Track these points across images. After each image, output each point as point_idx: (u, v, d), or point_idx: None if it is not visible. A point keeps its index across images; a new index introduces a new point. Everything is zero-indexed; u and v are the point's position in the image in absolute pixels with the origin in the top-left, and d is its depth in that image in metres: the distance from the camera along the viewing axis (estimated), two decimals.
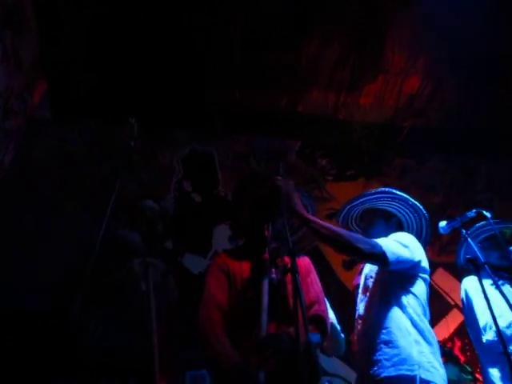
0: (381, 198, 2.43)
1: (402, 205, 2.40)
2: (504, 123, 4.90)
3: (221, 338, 1.92)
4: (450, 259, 4.42)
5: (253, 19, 4.19)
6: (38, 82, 4.36)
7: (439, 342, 3.47)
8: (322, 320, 2.01)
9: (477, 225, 2.52)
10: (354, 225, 2.64)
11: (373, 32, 4.35)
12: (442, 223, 2.24)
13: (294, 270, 1.52)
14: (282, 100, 4.94)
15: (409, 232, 2.44)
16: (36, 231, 3.90)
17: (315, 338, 1.84)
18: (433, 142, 5.09)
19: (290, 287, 2.00)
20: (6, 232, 3.78)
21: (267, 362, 1.71)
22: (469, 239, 2.04)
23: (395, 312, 2.11)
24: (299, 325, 1.39)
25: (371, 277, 2.32)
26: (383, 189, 2.46)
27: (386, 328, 2.08)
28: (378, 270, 2.28)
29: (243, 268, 2.16)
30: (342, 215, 2.61)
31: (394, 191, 2.41)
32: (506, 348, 1.80)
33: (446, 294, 4.37)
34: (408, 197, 2.39)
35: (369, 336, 2.16)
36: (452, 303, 4.35)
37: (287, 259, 2.15)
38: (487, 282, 2.09)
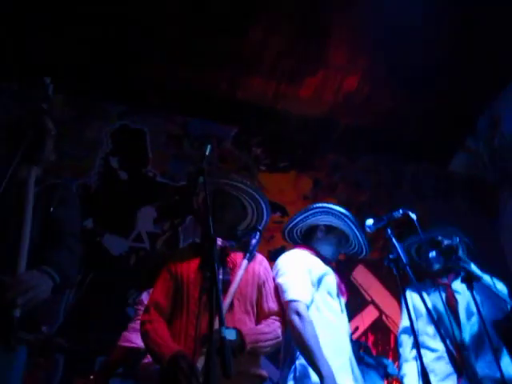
0: (318, 212, 2.51)
1: (340, 217, 2.47)
2: (430, 130, 5.14)
3: (161, 333, 1.94)
4: (370, 257, 4.57)
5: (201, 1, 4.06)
6: None
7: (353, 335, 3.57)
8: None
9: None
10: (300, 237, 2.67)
11: (317, 26, 4.36)
12: (369, 222, 2.25)
13: (212, 260, 1.49)
14: (221, 84, 4.84)
15: (351, 240, 2.58)
16: None
17: (230, 334, 1.80)
18: (364, 142, 5.22)
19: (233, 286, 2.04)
20: None
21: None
22: (393, 239, 2.06)
23: None
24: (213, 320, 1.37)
25: None
26: (320, 204, 2.53)
27: None
28: None
29: (191, 267, 2.13)
30: (286, 233, 2.68)
31: (331, 206, 2.49)
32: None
33: (365, 290, 4.51)
34: (343, 210, 2.48)
35: None
36: (369, 299, 4.50)
37: (236, 258, 2.17)
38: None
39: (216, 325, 1.43)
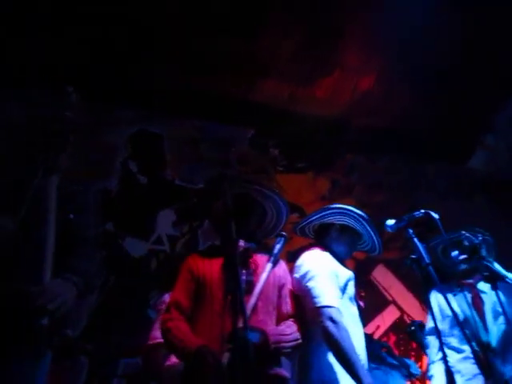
0: (335, 213, 2.51)
1: (357, 219, 2.48)
2: (448, 129, 5.08)
3: (183, 330, 1.98)
4: (390, 256, 4.54)
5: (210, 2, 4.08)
6: None
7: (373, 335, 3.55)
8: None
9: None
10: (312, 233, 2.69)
11: (331, 26, 4.35)
12: (390, 222, 2.24)
13: (235, 262, 1.56)
14: (236, 87, 4.85)
15: (364, 240, 2.59)
16: None
17: (254, 337, 1.83)
18: (382, 142, 5.18)
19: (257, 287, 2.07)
20: None
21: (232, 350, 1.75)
22: (415, 239, 2.05)
23: None
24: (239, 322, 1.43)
25: None
26: (337, 205, 2.54)
27: None
28: None
29: (214, 268, 2.15)
30: (298, 229, 2.68)
31: (347, 207, 2.50)
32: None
33: (385, 289, 4.49)
34: (360, 212, 2.50)
35: None
36: (389, 299, 4.47)
37: (258, 259, 2.21)
38: None
39: (240, 324, 1.46)
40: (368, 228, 2.49)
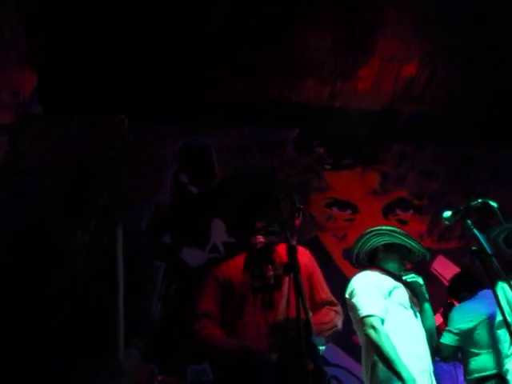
0: (372, 236, 2.65)
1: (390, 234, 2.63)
2: (503, 110, 4.85)
3: (219, 335, 2.03)
4: (449, 246, 4.41)
5: (241, 10, 4.12)
6: (29, 76, 4.26)
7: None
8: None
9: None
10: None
11: (366, 15, 4.28)
12: (447, 214, 2.18)
13: (295, 268, 1.54)
14: (275, 90, 4.87)
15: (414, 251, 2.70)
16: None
17: (319, 341, 1.83)
18: (431, 128, 5.03)
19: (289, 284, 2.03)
20: None
21: (278, 344, 1.80)
22: (474, 230, 1.99)
23: None
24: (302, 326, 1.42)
25: None
26: (369, 230, 2.69)
27: None
28: None
29: (238, 270, 2.19)
30: (354, 261, 2.81)
31: (378, 227, 2.68)
32: None
33: (447, 281, 4.35)
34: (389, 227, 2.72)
35: None
36: None
37: (282, 251, 2.18)
38: None
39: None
40: (403, 238, 2.62)
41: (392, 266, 2.60)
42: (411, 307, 2.48)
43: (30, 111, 4.35)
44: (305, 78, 4.75)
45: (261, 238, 2.20)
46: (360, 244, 2.68)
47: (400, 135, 5.07)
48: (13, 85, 3.99)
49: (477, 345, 3.00)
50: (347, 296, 2.51)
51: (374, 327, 2.22)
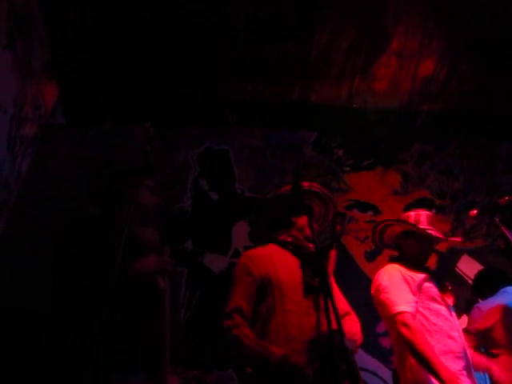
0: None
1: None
2: None
3: (253, 338, 1.92)
4: (474, 245, 4.34)
5: (261, 10, 4.12)
6: (50, 88, 4.35)
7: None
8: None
9: None
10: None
11: (383, 13, 4.24)
12: (473, 212, 2.18)
13: (323, 274, 1.56)
14: (294, 91, 4.87)
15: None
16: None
17: (351, 344, 1.80)
18: (450, 126, 4.98)
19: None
20: (24, 236, 3.81)
21: (315, 360, 1.71)
22: (502, 228, 1.97)
23: None
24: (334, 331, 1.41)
25: None
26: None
27: None
28: None
29: (279, 269, 2.10)
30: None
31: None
32: None
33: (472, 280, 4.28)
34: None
35: None
36: None
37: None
38: None
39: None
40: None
41: (414, 251, 2.57)
42: (443, 300, 2.41)
43: (53, 122, 4.44)
44: (323, 78, 4.74)
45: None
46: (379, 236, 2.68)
47: (420, 134, 5.01)
48: (35, 98, 4.07)
49: (496, 345, 2.87)
50: (374, 292, 2.46)
51: (406, 325, 2.17)
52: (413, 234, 2.57)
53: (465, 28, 4.24)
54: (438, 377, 1.99)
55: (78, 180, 4.09)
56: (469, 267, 4.28)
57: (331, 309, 1.46)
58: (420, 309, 2.29)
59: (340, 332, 1.39)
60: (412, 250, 2.56)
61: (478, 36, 4.26)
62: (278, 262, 2.12)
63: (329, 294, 1.46)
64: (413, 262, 2.51)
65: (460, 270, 4.31)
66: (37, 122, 4.15)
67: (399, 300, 2.26)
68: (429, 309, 2.30)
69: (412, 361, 2.17)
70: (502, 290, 3.07)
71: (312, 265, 1.97)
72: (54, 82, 4.37)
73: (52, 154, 4.35)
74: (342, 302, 2.17)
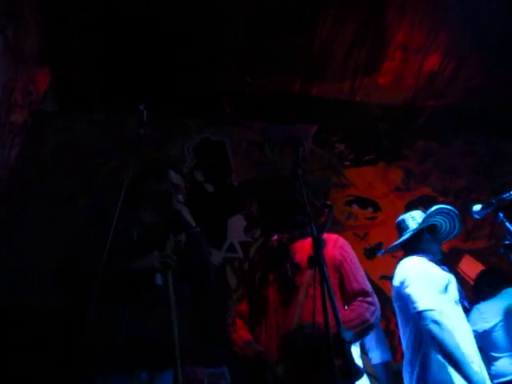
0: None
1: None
2: None
3: (243, 336, 1.99)
4: (476, 245, 4.23)
5: (263, 1, 4.02)
6: (42, 74, 4.24)
7: None
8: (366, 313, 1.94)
9: None
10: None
11: (388, 6, 4.13)
12: (477, 207, 2.08)
13: (320, 262, 1.49)
14: (295, 84, 4.78)
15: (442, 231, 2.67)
16: (44, 225, 3.81)
17: (347, 335, 1.68)
18: (455, 123, 4.89)
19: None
20: (13, 226, 3.72)
21: (287, 356, 1.74)
22: (507, 224, 1.87)
23: None
24: (328, 321, 1.37)
25: None
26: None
27: None
28: None
29: (258, 268, 2.20)
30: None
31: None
32: None
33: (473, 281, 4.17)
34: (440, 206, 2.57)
35: None
36: None
37: (299, 245, 2.12)
38: None
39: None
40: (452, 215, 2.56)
41: (436, 247, 2.54)
42: (460, 302, 2.36)
43: (44, 109, 4.33)
44: (325, 71, 4.64)
45: (275, 236, 2.17)
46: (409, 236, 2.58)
47: (424, 130, 4.90)
48: (25, 84, 3.96)
49: (496, 347, 2.80)
50: (397, 284, 2.38)
51: (437, 322, 2.10)
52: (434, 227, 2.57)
53: (469, 23, 4.13)
54: (463, 374, 1.97)
55: (69, 169, 3.98)
56: (471, 268, 4.18)
57: (318, 297, 1.44)
58: (444, 309, 2.21)
59: (325, 321, 1.35)
60: (436, 244, 2.55)
61: (486, 30, 4.15)
62: (259, 262, 2.31)
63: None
64: (436, 257, 2.48)
65: (461, 271, 4.20)
66: (27, 109, 4.04)
67: (426, 296, 2.21)
68: (451, 311, 2.25)
69: (437, 358, 2.12)
70: (504, 291, 3.00)
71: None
72: (46, 68, 4.26)
73: (42, 142, 4.24)
74: (355, 281, 2.02)
